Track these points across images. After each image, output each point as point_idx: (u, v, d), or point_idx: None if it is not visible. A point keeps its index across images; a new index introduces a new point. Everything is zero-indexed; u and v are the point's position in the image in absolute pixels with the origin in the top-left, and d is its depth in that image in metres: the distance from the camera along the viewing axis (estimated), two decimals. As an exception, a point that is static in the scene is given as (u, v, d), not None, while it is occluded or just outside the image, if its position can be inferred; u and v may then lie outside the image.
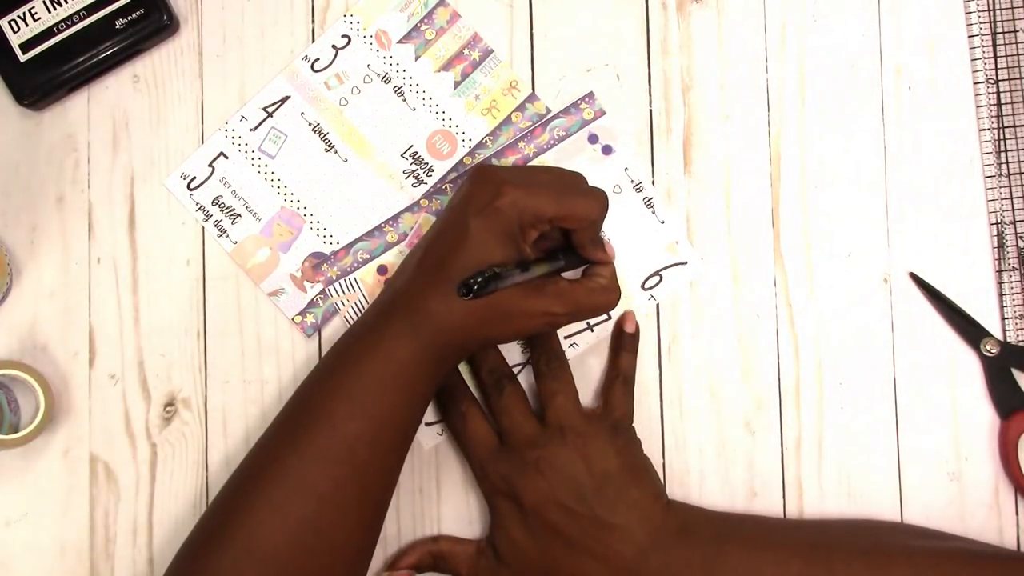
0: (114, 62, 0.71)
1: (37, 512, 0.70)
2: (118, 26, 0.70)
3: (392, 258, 0.71)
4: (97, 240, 0.72)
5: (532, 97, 0.72)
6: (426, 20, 0.73)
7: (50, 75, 0.70)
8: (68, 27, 0.70)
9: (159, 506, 0.70)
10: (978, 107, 0.72)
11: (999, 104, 0.72)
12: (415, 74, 0.73)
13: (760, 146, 0.73)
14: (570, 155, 0.72)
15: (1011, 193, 0.72)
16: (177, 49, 0.73)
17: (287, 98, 0.72)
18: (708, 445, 0.71)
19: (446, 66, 0.73)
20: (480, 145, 0.72)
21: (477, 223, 0.61)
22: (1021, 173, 0.72)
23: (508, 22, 0.73)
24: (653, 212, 0.72)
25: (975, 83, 0.72)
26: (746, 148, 0.73)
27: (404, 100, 0.72)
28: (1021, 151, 0.72)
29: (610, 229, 0.71)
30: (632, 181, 0.72)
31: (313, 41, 0.73)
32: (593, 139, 0.72)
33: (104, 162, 0.72)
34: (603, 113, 0.72)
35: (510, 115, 0.72)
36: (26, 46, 0.69)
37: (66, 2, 0.70)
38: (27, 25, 0.69)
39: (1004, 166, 0.72)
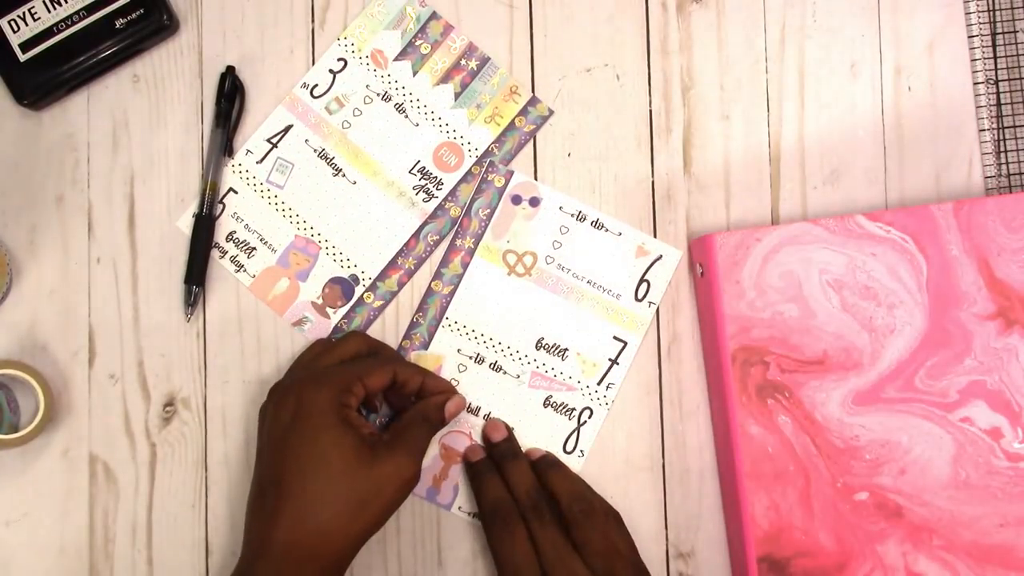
0: (114, 62, 0.71)
1: (37, 512, 0.70)
2: (118, 26, 0.70)
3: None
4: (97, 240, 0.72)
5: (534, 100, 0.73)
6: (420, 35, 0.73)
7: (50, 75, 0.70)
8: (68, 27, 0.70)
9: (158, 506, 0.70)
10: (978, 107, 0.72)
11: (999, 104, 0.72)
12: (414, 90, 0.72)
13: (760, 146, 0.73)
14: (507, 225, 0.72)
15: (1011, 193, 0.72)
16: (177, 49, 0.73)
17: (290, 127, 0.72)
18: (707, 445, 0.71)
19: (444, 78, 0.73)
20: (487, 153, 0.72)
21: (299, 438, 0.62)
22: (1021, 173, 0.72)
23: (508, 23, 0.73)
24: (607, 230, 0.72)
25: (975, 83, 0.72)
26: (746, 148, 0.73)
27: (406, 117, 0.72)
28: (1021, 151, 0.72)
29: (582, 265, 0.72)
30: (572, 215, 0.72)
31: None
32: (517, 200, 0.72)
33: (104, 162, 0.72)
34: (511, 173, 0.72)
35: (513, 120, 0.73)
36: (26, 46, 0.70)
37: (66, 2, 0.70)
38: (27, 25, 0.69)
39: (1004, 166, 0.72)
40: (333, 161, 0.72)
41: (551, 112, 0.72)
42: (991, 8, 0.73)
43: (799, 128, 0.73)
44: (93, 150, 0.72)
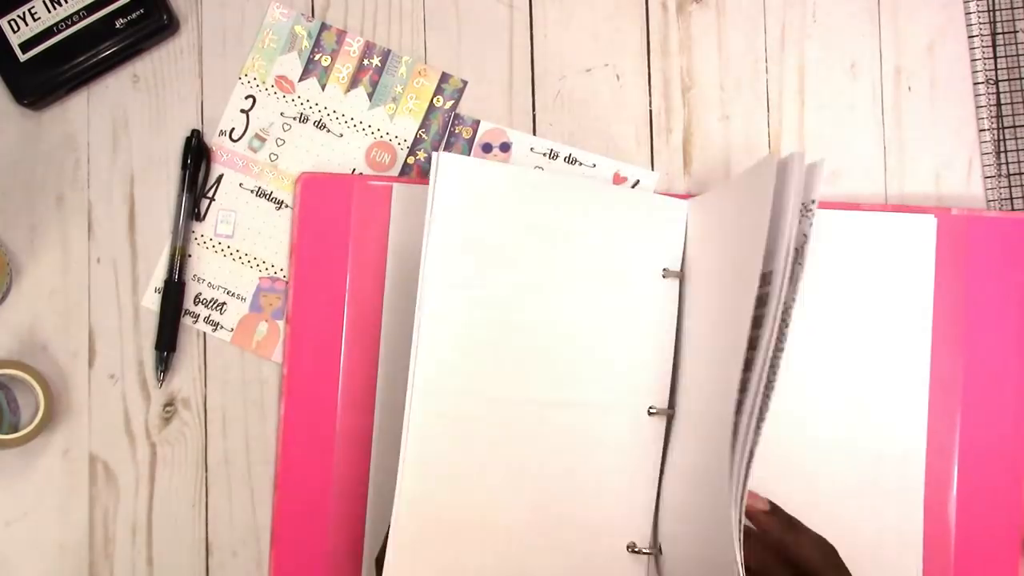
0: (114, 62, 0.71)
1: (37, 512, 0.70)
2: (118, 26, 0.70)
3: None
4: (97, 240, 0.72)
5: (445, 76, 0.72)
6: (316, 49, 0.72)
7: (50, 75, 0.70)
8: (68, 27, 0.70)
9: (158, 506, 0.70)
10: (978, 107, 0.72)
11: (999, 104, 0.72)
12: (328, 103, 0.72)
13: (760, 146, 0.73)
14: None
15: (1011, 193, 0.72)
16: (177, 49, 0.73)
17: (221, 176, 0.72)
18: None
19: (353, 83, 0.72)
20: (417, 141, 0.72)
21: None
22: (1021, 173, 0.72)
23: (508, 22, 0.73)
24: (580, 164, 0.72)
25: (975, 83, 0.72)
26: (746, 148, 0.73)
27: (328, 131, 0.72)
28: (1021, 151, 0.72)
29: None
30: (544, 154, 0.72)
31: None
32: (488, 148, 0.72)
33: (104, 162, 0.72)
34: (478, 123, 0.72)
35: (431, 101, 0.72)
36: (26, 46, 0.70)
37: (66, 2, 0.70)
38: (27, 25, 0.69)
39: (1004, 166, 0.72)
40: (272, 196, 0.72)
41: (465, 83, 0.72)
42: (991, 8, 0.73)
43: (799, 128, 0.73)
44: (93, 150, 0.72)
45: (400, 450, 0.62)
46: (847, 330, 0.69)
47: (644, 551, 0.66)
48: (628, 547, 0.66)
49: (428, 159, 0.72)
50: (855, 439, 0.69)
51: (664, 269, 0.67)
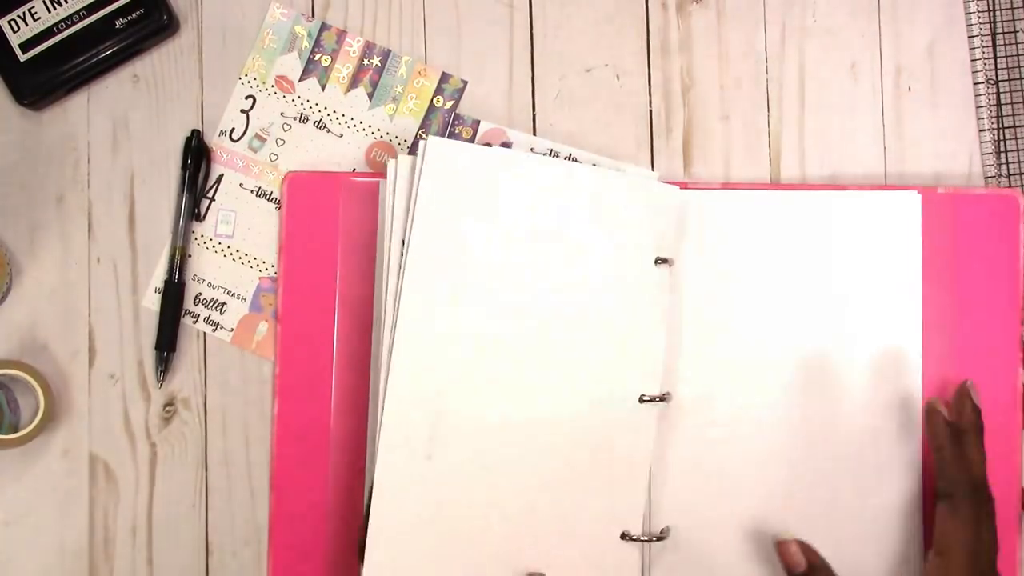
0: (114, 62, 0.71)
1: (37, 512, 0.70)
2: (118, 26, 0.70)
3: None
4: (97, 240, 0.72)
5: (445, 76, 0.72)
6: (316, 49, 0.72)
7: (50, 75, 0.70)
8: (68, 27, 0.70)
9: (158, 506, 0.70)
10: (978, 107, 0.72)
11: (999, 104, 0.72)
12: (328, 103, 0.72)
13: (760, 146, 0.73)
14: None
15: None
16: (177, 49, 0.73)
17: (221, 176, 0.72)
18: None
19: (353, 83, 0.72)
20: (417, 141, 0.72)
21: None
22: (1021, 173, 0.72)
23: (508, 22, 0.73)
24: (579, 161, 0.72)
25: (975, 83, 0.72)
26: (746, 148, 0.73)
27: (328, 131, 0.72)
28: (1021, 151, 0.72)
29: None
30: (544, 154, 0.72)
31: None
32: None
33: (104, 162, 0.72)
34: (478, 122, 0.72)
35: (431, 101, 0.72)
36: (26, 46, 0.70)
37: (66, 2, 0.70)
38: (27, 25, 0.69)
39: (1004, 166, 0.72)
40: (272, 196, 0.72)
41: (465, 83, 0.72)
42: (991, 8, 0.73)
43: (799, 128, 0.73)
44: (93, 150, 0.72)
45: (377, 443, 0.64)
46: (838, 313, 0.69)
47: (638, 539, 0.66)
48: (622, 535, 0.66)
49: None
50: (849, 423, 0.69)
51: (657, 256, 0.68)
